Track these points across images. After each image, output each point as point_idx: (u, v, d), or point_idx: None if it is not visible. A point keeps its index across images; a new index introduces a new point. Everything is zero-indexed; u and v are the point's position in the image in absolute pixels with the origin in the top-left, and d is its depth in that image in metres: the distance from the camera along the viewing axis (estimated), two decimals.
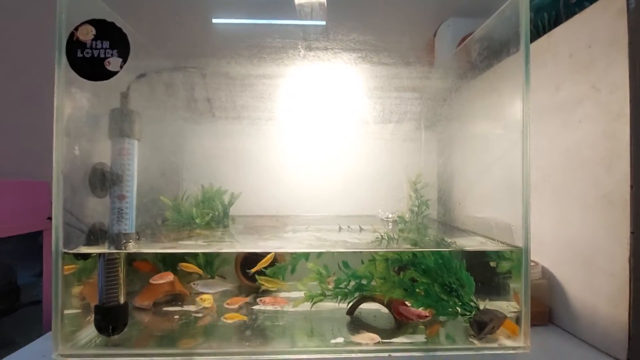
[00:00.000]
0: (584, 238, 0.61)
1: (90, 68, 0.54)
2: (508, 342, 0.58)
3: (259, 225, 0.84)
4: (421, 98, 0.78)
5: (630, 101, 0.53)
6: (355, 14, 0.62)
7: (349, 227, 0.80)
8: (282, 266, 0.72)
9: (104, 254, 0.59)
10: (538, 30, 0.82)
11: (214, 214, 0.85)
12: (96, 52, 0.54)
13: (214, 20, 0.73)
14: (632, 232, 0.53)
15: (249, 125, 0.68)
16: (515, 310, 0.60)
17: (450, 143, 0.93)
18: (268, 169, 0.78)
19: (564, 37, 0.67)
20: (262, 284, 0.70)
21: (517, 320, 0.59)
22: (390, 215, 0.87)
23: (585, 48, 0.61)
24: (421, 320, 0.62)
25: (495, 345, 0.58)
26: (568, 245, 0.65)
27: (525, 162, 0.57)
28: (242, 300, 0.70)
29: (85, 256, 0.59)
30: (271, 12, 0.69)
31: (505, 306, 0.64)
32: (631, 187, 0.53)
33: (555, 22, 0.81)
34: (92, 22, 0.54)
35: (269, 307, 0.69)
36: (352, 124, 0.80)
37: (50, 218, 0.54)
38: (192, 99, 0.63)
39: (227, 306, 0.68)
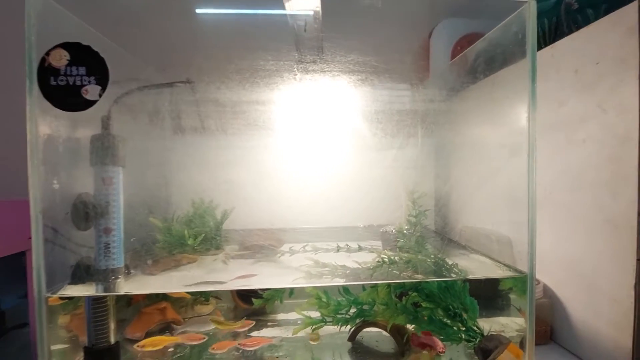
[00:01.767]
0: (587, 260, 0.61)
1: (66, 97, 0.49)
2: None
3: (254, 244, 0.81)
4: (417, 110, 0.75)
5: None
6: (350, 25, 0.57)
7: (347, 245, 0.78)
8: (280, 290, 0.70)
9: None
10: (538, 39, 0.79)
11: (206, 231, 0.82)
12: (71, 80, 0.49)
13: (198, 11, 0.67)
14: (638, 259, 0.52)
15: (242, 156, 0.63)
16: (519, 328, 0.60)
17: (448, 154, 0.91)
18: (264, 186, 0.75)
19: (569, 51, 0.64)
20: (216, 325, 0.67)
21: (521, 344, 0.58)
22: (386, 229, 0.85)
23: (592, 64, 0.59)
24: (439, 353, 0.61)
25: None
26: (570, 266, 0.65)
27: (530, 185, 0.56)
28: (229, 344, 0.65)
29: (71, 297, 0.56)
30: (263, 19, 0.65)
31: (508, 322, 0.64)
32: (638, 214, 0.52)
33: (557, 28, 0.79)
34: (65, 46, 0.49)
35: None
36: (348, 138, 0.77)
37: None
38: (180, 128, 0.59)
39: (212, 351, 0.63)
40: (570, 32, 0.68)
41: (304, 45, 0.55)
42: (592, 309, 0.60)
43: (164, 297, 0.76)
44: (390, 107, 0.65)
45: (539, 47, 0.72)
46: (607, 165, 0.56)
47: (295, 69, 0.52)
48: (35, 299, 0.51)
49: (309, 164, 0.75)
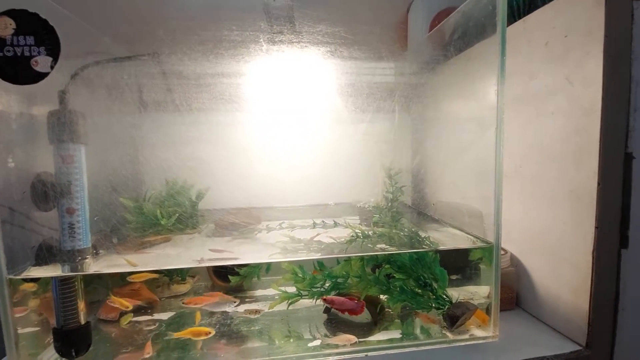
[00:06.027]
0: (552, 230, 0.63)
1: (15, 70, 0.46)
2: (478, 333, 0.61)
3: (230, 223, 0.81)
4: (394, 85, 0.74)
5: (602, 98, 0.52)
6: None
7: (323, 222, 0.79)
8: (256, 266, 0.70)
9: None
10: (513, 13, 0.78)
11: (181, 211, 0.80)
12: (19, 50, 0.46)
13: None
14: (596, 227, 0.55)
15: (208, 131, 0.61)
16: (486, 295, 0.63)
17: (424, 128, 0.92)
18: (235, 164, 0.73)
19: (540, 24, 0.64)
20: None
21: (487, 310, 0.61)
22: (363, 204, 0.86)
23: (561, 37, 0.59)
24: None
25: (467, 336, 0.60)
26: (536, 236, 0.67)
27: (497, 158, 0.57)
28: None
29: (34, 279, 0.54)
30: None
31: (476, 290, 0.67)
32: (598, 184, 0.54)
33: (530, 3, 0.78)
34: (10, 14, 0.45)
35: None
36: (322, 114, 0.76)
37: None
38: (142, 102, 0.56)
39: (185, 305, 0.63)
40: (544, 4, 0.67)
41: (273, 16, 0.52)
42: (555, 276, 0.63)
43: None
44: (364, 80, 0.63)
45: (513, 21, 0.72)
46: (572, 138, 0.58)
47: (262, 40, 0.50)
48: None
49: (280, 139, 0.74)
